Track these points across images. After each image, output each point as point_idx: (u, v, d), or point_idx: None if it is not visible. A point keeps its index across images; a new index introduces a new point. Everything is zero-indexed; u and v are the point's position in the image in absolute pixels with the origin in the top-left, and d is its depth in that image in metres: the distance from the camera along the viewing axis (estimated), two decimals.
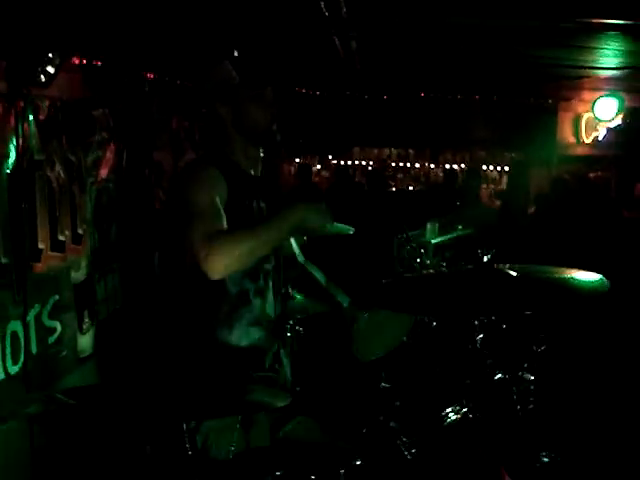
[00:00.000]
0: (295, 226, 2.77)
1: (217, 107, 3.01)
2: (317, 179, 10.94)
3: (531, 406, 2.64)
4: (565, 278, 2.20)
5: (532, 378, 2.71)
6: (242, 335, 2.97)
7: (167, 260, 5.03)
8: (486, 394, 2.55)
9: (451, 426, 2.46)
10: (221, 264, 2.56)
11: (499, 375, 2.56)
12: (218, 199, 2.79)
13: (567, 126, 10.04)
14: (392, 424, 2.87)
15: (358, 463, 2.45)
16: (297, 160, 10.71)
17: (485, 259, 2.14)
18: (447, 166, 11.31)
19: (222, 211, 2.77)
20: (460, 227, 5.98)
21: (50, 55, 3.54)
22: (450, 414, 2.55)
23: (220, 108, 3.01)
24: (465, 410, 2.54)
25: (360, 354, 3.07)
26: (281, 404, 1.99)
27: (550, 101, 9.76)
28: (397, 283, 2.49)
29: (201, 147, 6.27)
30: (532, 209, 9.10)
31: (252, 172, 3.13)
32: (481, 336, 2.59)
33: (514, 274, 2.14)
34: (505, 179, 10.96)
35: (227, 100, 2.99)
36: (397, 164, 11.50)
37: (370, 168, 11.08)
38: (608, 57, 5.97)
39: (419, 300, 2.27)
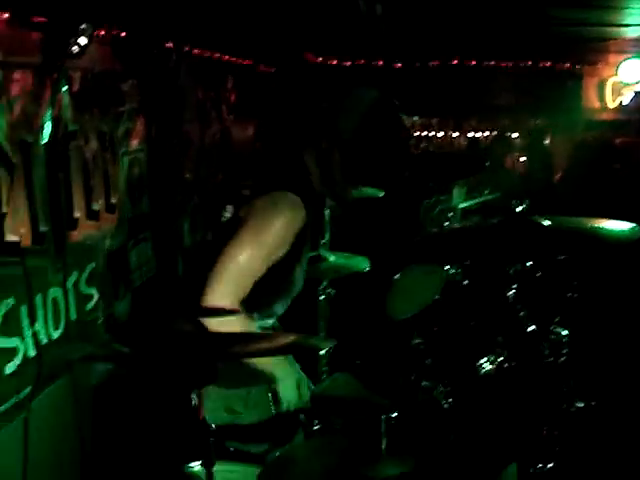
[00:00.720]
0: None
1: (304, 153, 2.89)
2: None
3: (563, 358, 2.67)
4: (597, 227, 2.24)
5: (565, 332, 2.74)
6: None
7: None
8: (519, 346, 2.60)
9: (486, 376, 2.52)
10: (211, 321, 2.46)
11: (532, 327, 2.61)
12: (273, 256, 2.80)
13: (592, 91, 9.94)
14: (424, 383, 2.93)
15: (395, 415, 2.51)
16: None
17: (518, 210, 2.18)
18: (470, 134, 11.23)
19: (259, 273, 2.78)
20: (487, 192, 6.01)
21: (83, 26, 3.59)
22: (485, 364, 2.60)
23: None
24: (500, 360, 2.59)
25: (393, 312, 3.13)
26: (326, 346, 2.06)
27: (575, 66, 9.66)
28: (435, 235, 2.53)
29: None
30: (558, 175, 9.06)
31: None
32: (514, 291, 2.63)
33: (547, 223, 2.18)
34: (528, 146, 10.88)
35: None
36: (420, 133, 11.45)
37: None
38: (634, 16, 5.92)
39: (456, 250, 2.32)
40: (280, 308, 3.06)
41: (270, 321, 3.08)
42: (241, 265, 2.70)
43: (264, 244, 2.76)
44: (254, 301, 2.82)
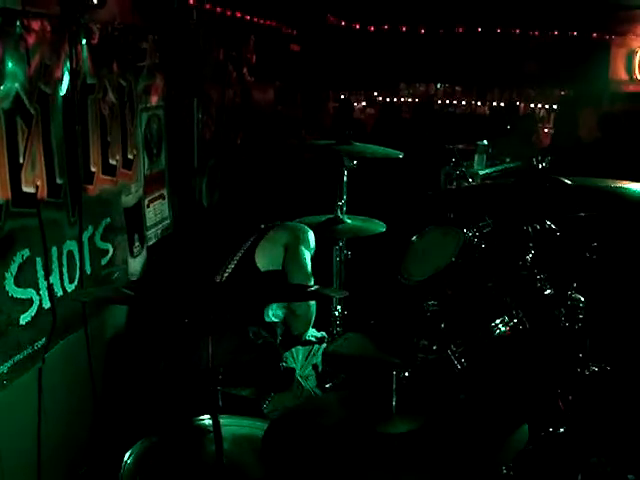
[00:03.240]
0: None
1: None
2: (362, 116, 10.85)
3: (580, 324, 2.63)
4: (619, 186, 2.19)
5: (582, 298, 2.70)
6: None
7: None
8: (535, 309, 2.57)
9: (500, 337, 2.49)
10: None
11: (549, 291, 2.57)
12: None
13: (620, 62, 9.75)
14: (436, 344, 2.91)
15: (407, 374, 2.50)
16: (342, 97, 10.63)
17: (541, 166, 2.13)
18: (494, 104, 11.11)
19: None
20: (508, 160, 5.94)
21: None
22: (499, 325, 2.57)
23: None
24: (515, 322, 2.56)
25: (409, 274, 3.10)
26: (339, 295, 2.06)
27: (604, 36, 9.47)
28: (454, 192, 2.49)
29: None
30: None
31: None
32: (532, 252, 2.59)
33: (569, 182, 2.14)
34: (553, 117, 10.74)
35: None
36: (443, 101, 11.33)
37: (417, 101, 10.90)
38: None
39: (474, 207, 2.28)
40: None
41: None
42: None
43: None
44: None
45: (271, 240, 4.06)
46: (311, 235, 4.09)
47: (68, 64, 3.66)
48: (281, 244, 4.03)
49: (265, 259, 3.98)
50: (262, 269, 3.91)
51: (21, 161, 3.27)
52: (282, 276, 3.80)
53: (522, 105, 10.72)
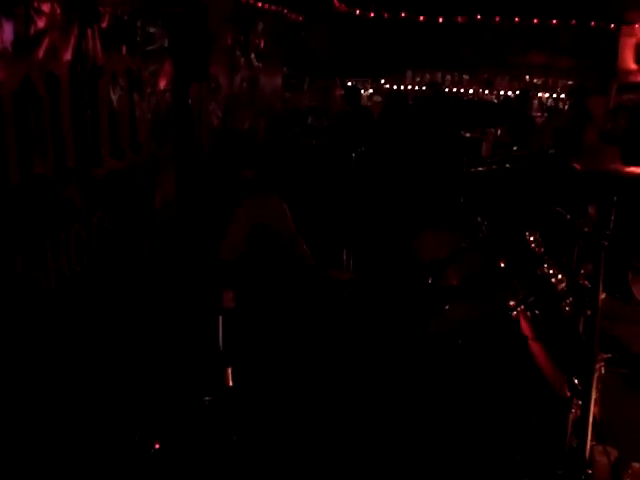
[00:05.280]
0: None
1: None
2: (369, 104, 10.80)
3: (589, 313, 2.62)
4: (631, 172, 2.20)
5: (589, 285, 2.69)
6: None
7: None
8: (541, 297, 2.57)
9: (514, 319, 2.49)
10: None
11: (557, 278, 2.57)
12: None
13: (629, 52, 9.67)
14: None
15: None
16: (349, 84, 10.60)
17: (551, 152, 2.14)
18: (502, 92, 11.06)
19: None
20: (515, 148, 5.92)
21: None
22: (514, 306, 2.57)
23: None
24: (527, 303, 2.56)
25: (422, 255, 3.11)
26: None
27: (611, 25, 9.41)
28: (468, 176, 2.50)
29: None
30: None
31: None
32: (540, 239, 2.59)
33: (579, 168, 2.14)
34: (560, 106, 10.68)
35: None
36: (450, 90, 11.28)
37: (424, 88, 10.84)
38: None
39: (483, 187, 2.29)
40: None
41: None
42: None
43: None
44: None
45: None
46: None
47: (78, 47, 3.66)
48: None
49: None
50: None
51: (31, 143, 3.28)
52: None
53: (529, 93, 10.65)
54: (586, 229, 2.12)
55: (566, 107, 10.28)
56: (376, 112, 10.32)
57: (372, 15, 9.67)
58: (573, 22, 9.46)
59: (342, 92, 10.52)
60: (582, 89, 9.97)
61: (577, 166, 2.15)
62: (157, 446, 2.59)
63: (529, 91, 9.91)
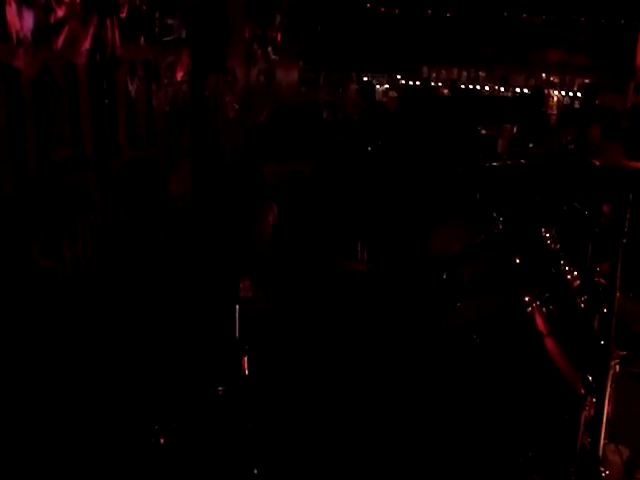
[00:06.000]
0: None
1: None
2: (384, 99, 10.79)
3: (605, 309, 2.61)
4: None
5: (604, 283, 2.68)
6: None
7: None
8: (555, 294, 2.57)
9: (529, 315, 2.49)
10: None
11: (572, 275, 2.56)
12: None
13: None
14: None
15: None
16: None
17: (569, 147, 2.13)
18: (517, 89, 11.01)
19: None
20: (531, 145, 5.89)
21: None
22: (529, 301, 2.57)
23: None
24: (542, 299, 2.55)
25: (437, 251, 3.11)
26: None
27: (630, 23, 9.35)
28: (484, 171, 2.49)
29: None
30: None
31: None
32: (556, 235, 2.58)
33: (597, 163, 2.13)
34: (577, 105, 10.63)
35: None
36: (466, 86, 11.25)
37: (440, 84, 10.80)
38: None
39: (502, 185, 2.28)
40: None
41: None
42: None
43: None
44: None
45: None
46: None
47: (96, 37, 3.67)
48: None
49: None
50: None
51: (49, 131, 3.29)
52: None
53: (544, 90, 10.61)
54: (603, 226, 2.11)
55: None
56: (392, 107, 10.29)
57: (391, 10, 9.64)
58: (591, 20, 9.40)
59: (357, 87, 10.52)
60: (593, 87, 9.93)
61: (596, 162, 2.14)
62: (171, 436, 2.60)
63: (542, 88, 9.87)
